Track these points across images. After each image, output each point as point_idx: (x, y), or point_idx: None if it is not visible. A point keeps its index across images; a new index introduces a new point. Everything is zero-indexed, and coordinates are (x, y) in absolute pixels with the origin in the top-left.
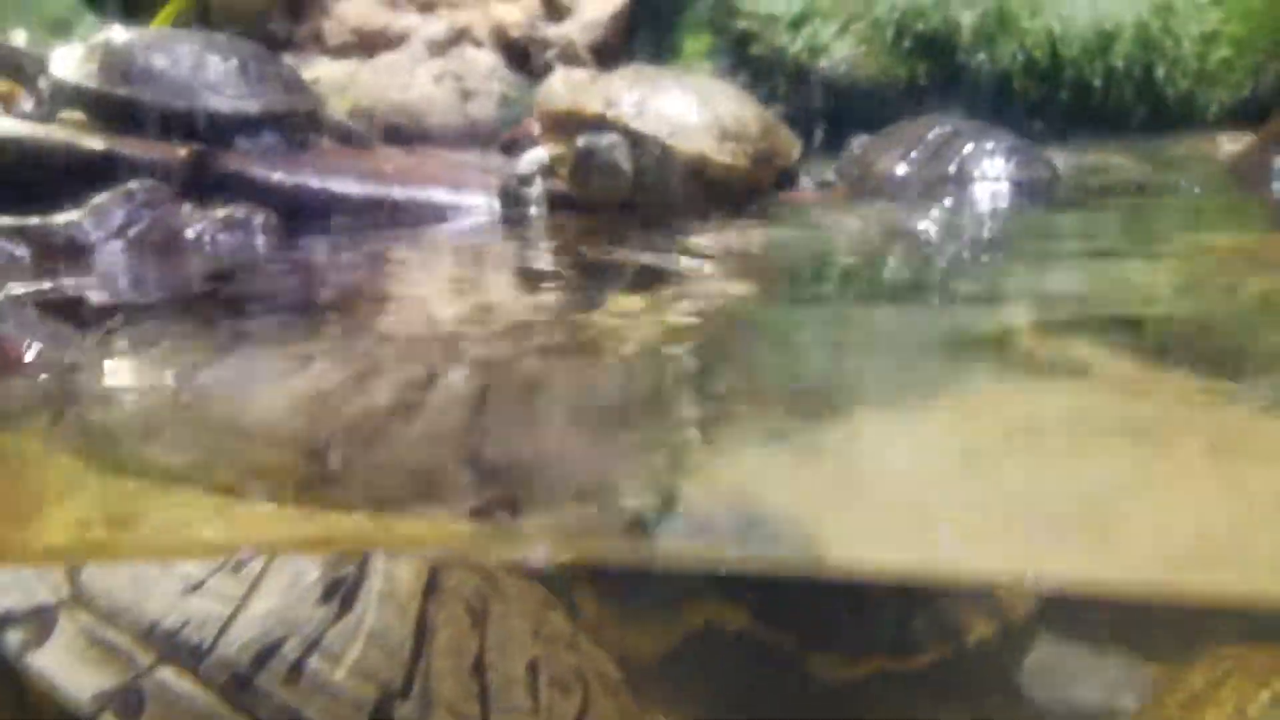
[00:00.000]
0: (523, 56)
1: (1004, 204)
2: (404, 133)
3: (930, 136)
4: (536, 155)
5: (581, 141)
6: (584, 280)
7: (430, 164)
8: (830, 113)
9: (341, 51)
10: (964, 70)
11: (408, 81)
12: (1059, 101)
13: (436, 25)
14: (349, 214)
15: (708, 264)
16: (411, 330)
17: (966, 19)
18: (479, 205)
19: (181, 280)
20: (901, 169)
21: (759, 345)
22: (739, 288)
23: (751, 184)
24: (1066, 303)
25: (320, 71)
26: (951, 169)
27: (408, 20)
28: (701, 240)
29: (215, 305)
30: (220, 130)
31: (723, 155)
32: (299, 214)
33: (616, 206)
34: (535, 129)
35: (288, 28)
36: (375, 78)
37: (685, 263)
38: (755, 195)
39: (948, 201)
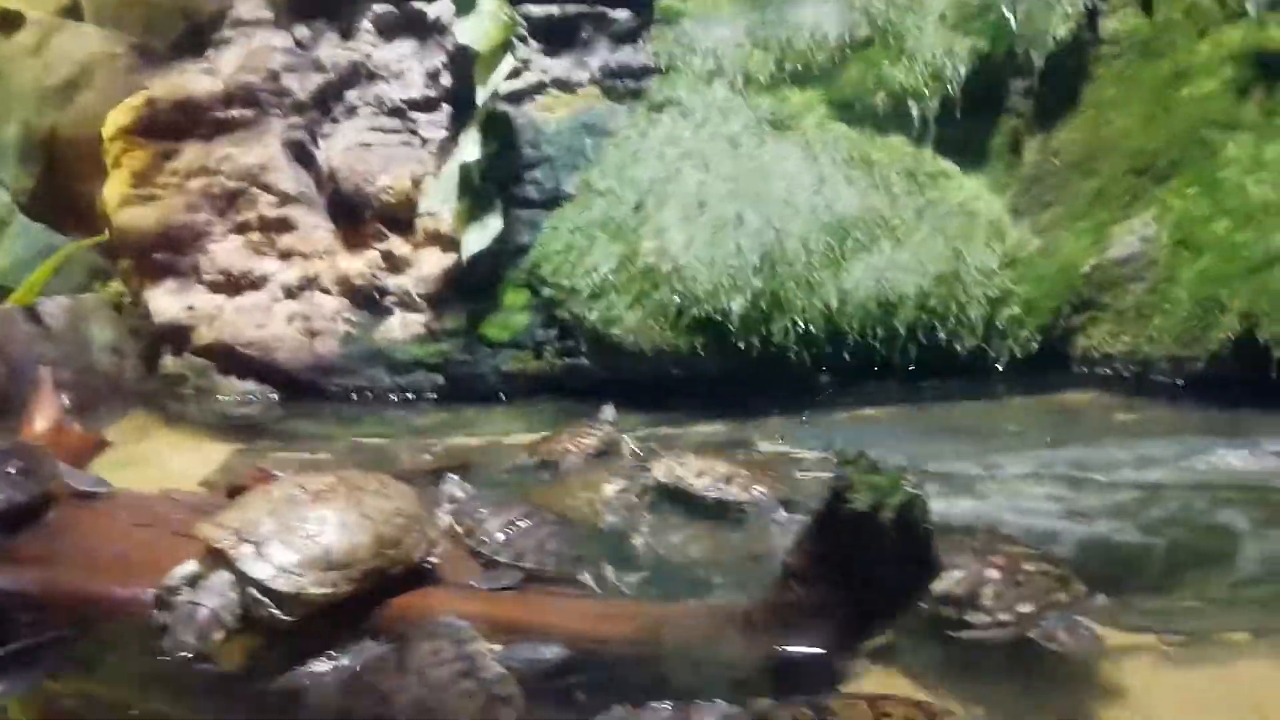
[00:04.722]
0: (367, 300)
1: None
2: (256, 365)
3: None
4: (188, 568)
5: (164, 616)
6: None
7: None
8: (622, 372)
9: (214, 287)
10: (739, 345)
11: (263, 320)
12: (843, 359)
13: (290, 272)
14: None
15: None
16: None
17: (737, 305)
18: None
19: None
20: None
21: None
22: None
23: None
24: None
25: (195, 300)
26: None
27: (267, 266)
28: None
29: None
30: None
31: (323, 588)
32: None
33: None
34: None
35: (171, 258)
36: (237, 315)
37: None
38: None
39: None
